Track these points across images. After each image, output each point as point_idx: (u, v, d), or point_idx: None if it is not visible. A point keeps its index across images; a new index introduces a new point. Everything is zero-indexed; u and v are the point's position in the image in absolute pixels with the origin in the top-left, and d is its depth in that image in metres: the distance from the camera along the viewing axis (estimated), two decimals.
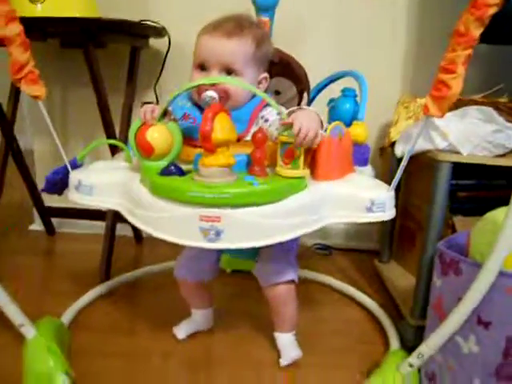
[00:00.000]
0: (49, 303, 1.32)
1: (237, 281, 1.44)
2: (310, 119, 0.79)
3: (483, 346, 0.88)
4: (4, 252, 1.66)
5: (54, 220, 1.86)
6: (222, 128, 0.73)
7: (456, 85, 0.77)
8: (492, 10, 0.73)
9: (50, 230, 1.84)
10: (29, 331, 0.98)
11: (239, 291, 1.40)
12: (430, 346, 0.92)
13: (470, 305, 0.84)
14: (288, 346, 1.07)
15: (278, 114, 0.84)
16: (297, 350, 1.07)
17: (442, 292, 0.96)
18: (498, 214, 0.90)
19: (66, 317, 1.20)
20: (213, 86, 0.86)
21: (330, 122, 1.13)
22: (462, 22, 0.75)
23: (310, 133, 0.77)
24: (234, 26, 0.91)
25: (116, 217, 1.48)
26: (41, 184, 1.70)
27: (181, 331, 1.15)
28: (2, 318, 0.98)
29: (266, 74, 0.98)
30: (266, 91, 0.98)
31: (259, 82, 0.97)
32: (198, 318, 1.17)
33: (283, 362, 1.06)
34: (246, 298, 1.34)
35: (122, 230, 1.59)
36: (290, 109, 0.86)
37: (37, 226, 1.89)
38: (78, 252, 1.69)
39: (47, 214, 1.81)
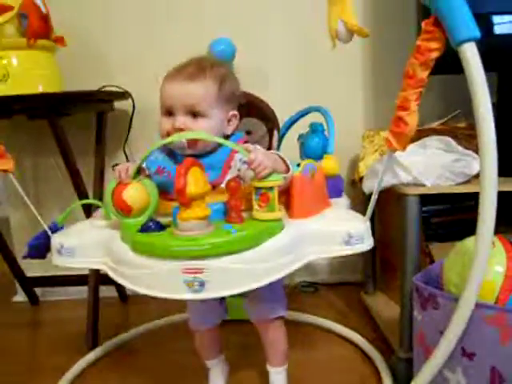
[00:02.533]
0: (37, 379, 1.28)
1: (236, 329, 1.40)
2: (266, 156, 0.80)
3: (470, 376, 0.89)
4: None
5: (38, 289, 1.83)
6: (195, 182, 0.75)
7: (411, 120, 0.81)
8: (435, 55, 0.78)
9: (33, 300, 1.81)
10: None
11: (240, 339, 1.38)
12: (418, 383, 0.91)
13: (452, 339, 0.85)
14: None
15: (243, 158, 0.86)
16: None
17: (423, 326, 0.97)
18: (466, 244, 0.93)
19: None
20: (180, 130, 0.89)
21: (301, 158, 1.18)
22: (410, 65, 0.80)
23: (263, 164, 0.78)
24: (195, 68, 0.92)
25: (98, 279, 1.47)
26: (19, 254, 1.71)
27: None
28: None
29: (235, 112, 0.98)
30: (237, 130, 1.00)
31: (228, 120, 0.97)
32: (218, 366, 1.16)
33: None
34: (248, 346, 1.33)
35: (106, 291, 1.58)
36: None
37: (20, 297, 1.86)
38: (64, 320, 1.66)
39: (29, 284, 1.78)
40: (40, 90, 1.40)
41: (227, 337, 1.20)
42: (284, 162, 0.89)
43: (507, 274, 0.87)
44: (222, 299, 1.09)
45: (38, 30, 1.39)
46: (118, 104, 1.67)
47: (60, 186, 1.76)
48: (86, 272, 1.48)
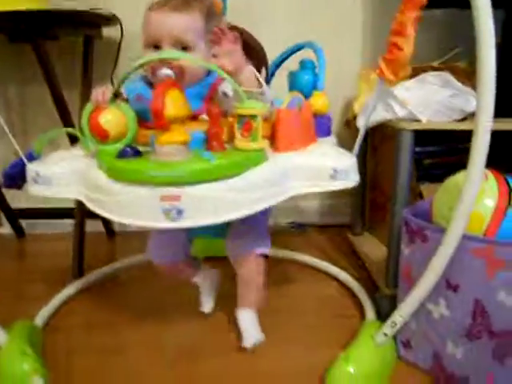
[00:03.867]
0: (22, 306, 1.28)
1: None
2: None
3: (453, 309, 0.90)
4: None
5: (24, 222, 1.81)
6: (174, 104, 0.71)
7: (407, 46, 0.77)
8: None
9: (19, 232, 1.80)
10: (0, 337, 0.96)
11: None
12: (402, 314, 0.93)
13: (438, 270, 0.85)
14: (250, 327, 1.04)
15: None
16: (258, 332, 1.04)
17: (410, 260, 0.97)
18: (458, 178, 0.92)
19: (40, 318, 1.17)
20: (167, 63, 0.84)
21: None
22: None
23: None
24: (181, 1, 0.89)
25: (85, 213, 1.45)
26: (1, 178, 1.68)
27: (205, 306, 1.16)
28: None
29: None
30: None
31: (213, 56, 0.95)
32: (204, 283, 1.16)
33: (245, 344, 1.02)
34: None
35: (93, 226, 1.56)
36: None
37: (5, 229, 1.84)
38: (50, 252, 1.65)
39: (15, 216, 1.77)
40: (23, 7, 1.28)
41: None
42: (257, 80, 0.87)
43: (497, 208, 0.86)
44: (188, 240, 1.08)
45: None
46: (105, 31, 1.58)
47: (47, 117, 1.68)
48: (73, 205, 1.46)
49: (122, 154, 0.77)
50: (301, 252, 1.53)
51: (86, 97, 1.50)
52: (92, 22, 1.49)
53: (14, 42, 1.41)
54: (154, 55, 0.83)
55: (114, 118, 0.79)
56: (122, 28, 1.54)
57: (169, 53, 0.86)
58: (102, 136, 0.80)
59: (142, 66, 0.83)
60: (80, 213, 1.45)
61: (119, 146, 0.79)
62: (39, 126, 1.75)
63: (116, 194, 0.76)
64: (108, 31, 1.58)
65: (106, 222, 1.73)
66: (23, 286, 1.45)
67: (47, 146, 0.94)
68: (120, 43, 1.56)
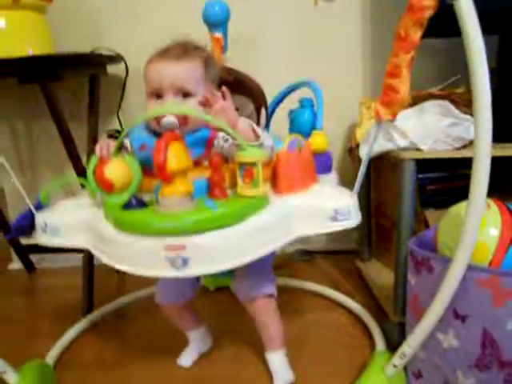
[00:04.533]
0: (33, 344, 1.30)
1: (221, 298, 1.45)
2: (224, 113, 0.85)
3: (462, 339, 0.89)
4: None
5: (33, 256, 1.83)
6: (176, 157, 0.73)
7: (403, 88, 0.78)
8: (428, 13, 0.75)
9: (29, 267, 1.82)
10: (11, 378, 0.97)
11: (225, 308, 1.39)
12: (411, 345, 0.93)
13: (444, 300, 0.85)
14: (280, 369, 1.06)
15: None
16: (289, 373, 1.06)
17: (417, 290, 0.98)
18: (460, 207, 0.92)
19: (51, 356, 1.19)
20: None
21: (291, 134, 1.15)
22: (402, 26, 0.77)
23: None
24: (181, 49, 0.92)
25: None
26: (11, 229, 1.70)
27: (185, 359, 1.15)
28: None
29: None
30: None
31: None
32: (196, 340, 1.17)
33: None
34: (232, 314, 1.33)
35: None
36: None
37: (15, 264, 1.87)
38: (60, 287, 1.67)
39: (25, 251, 1.79)
40: (30, 52, 1.35)
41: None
42: (254, 131, 0.88)
43: (501, 237, 0.86)
44: (197, 279, 1.09)
45: None
46: (110, 69, 1.62)
47: (55, 153, 1.73)
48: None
49: (127, 206, 0.79)
50: (308, 280, 1.54)
51: (92, 133, 1.53)
52: (96, 62, 1.53)
53: (22, 83, 1.44)
54: (158, 109, 0.86)
55: (118, 170, 0.81)
56: (126, 65, 1.56)
57: (173, 106, 0.88)
58: (107, 187, 0.81)
59: (147, 118, 0.85)
60: (88, 251, 1.46)
61: (124, 196, 0.81)
62: (47, 160, 1.79)
63: (122, 245, 0.78)
64: (113, 67, 1.62)
65: None
66: (33, 322, 1.46)
67: (60, 188, 0.96)
68: (125, 80, 1.59)
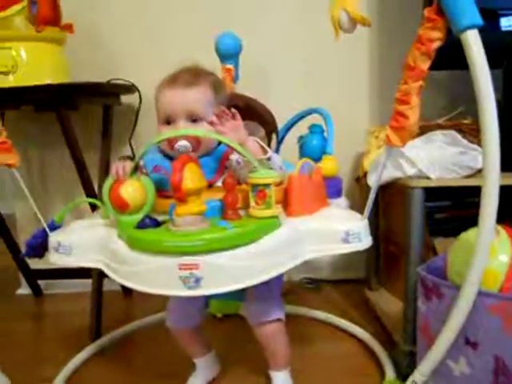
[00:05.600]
0: (41, 369, 1.28)
1: (229, 325, 1.44)
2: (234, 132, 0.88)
3: (474, 366, 0.88)
4: None
5: (41, 282, 1.84)
6: (191, 178, 0.75)
7: (412, 115, 0.80)
8: (436, 45, 0.78)
9: (37, 292, 1.83)
10: None
11: (232, 336, 1.39)
12: (422, 372, 0.92)
13: (455, 328, 0.85)
14: None
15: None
16: None
17: (427, 317, 0.97)
18: (470, 234, 0.92)
19: (58, 381, 1.18)
20: (183, 136, 0.89)
21: (301, 159, 1.17)
22: (411, 56, 0.80)
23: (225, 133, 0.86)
24: (190, 76, 0.95)
25: (101, 273, 1.47)
26: (24, 248, 1.72)
27: None
28: None
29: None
30: None
31: None
32: (203, 367, 1.15)
33: None
34: (240, 342, 1.33)
35: (110, 284, 1.58)
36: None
37: (24, 289, 1.87)
38: (67, 312, 1.67)
39: (33, 276, 1.80)
40: (48, 81, 1.40)
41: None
42: (262, 148, 0.91)
43: (511, 263, 0.86)
44: (205, 303, 1.10)
45: (48, 16, 1.38)
46: (124, 98, 1.67)
47: (67, 178, 1.76)
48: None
49: (141, 225, 0.80)
50: (315, 308, 1.53)
51: (105, 160, 1.57)
52: (111, 92, 1.57)
53: (38, 111, 1.49)
54: (172, 132, 0.88)
55: (133, 190, 0.83)
56: (140, 96, 1.60)
57: (187, 130, 0.92)
58: (122, 207, 0.83)
59: (161, 141, 0.88)
60: (98, 273, 1.48)
61: (138, 216, 0.82)
62: (58, 186, 1.82)
63: (136, 264, 0.79)
64: (126, 96, 1.66)
65: None
66: (41, 347, 1.46)
67: (70, 212, 0.98)
68: (138, 110, 1.63)
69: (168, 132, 0.90)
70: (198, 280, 0.75)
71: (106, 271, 0.86)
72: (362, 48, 1.68)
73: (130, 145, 1.64)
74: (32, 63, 1.40)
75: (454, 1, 0.75)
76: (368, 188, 1.35)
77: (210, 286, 0.76)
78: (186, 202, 0.75)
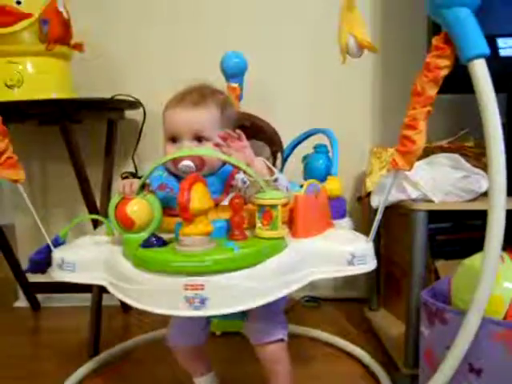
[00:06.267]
0: None
1: (227, 343, 1.43)
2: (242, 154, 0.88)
3: None
4: None
5: (40, 295, 1.83)
6: (198, 198, 0.75)
7: (419, 139, 0.81)
8: (444, 72, 0.79)
9: (35, 305, 1.81)
10: None
11: (231, 354, 1.38)
12: None
13: (459, 354, 0.85)
14: None
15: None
16: None
17: (430, 342, 0.97)
18: (475, 260, 0.92)
19: None
20: (188, 156, 0.90)
21: (305, 179, 1.18)
22: (418, 82, 0.81)
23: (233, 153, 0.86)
24: (197, 95, 0.95)
25: (102, 288, 1.46)
26: (23, 260, 1.71)
27: None
28: None
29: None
30: None
31: None
32: None
33: None
34: (238, 360, 1.33)
35: (108, 299, 1.56)
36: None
37: (21, 302, 1.86)
38: (65, 327, 1.65)
39: (31, 290, 1.78)
40: (53, 96, 1.41)
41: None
42: (269, 168, 0.91)
43: None
44: (208, 322, 1.08)
45: (59, 35, 1.40)
46: (128, 113, 1.68)
47: (68, 194, 1.77)
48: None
49: (147, 244, 0.80)
50: (315, 327, 1.52)
51: (108, 175, 1.57)
52: (115, 107, 1.58)
53: (42, 125, 1.49)
54: (177, 152, 0.89)
55: (140, 209, 0.83)
56: (144, 112, 1.61)
57: (191, 150, 0.92)
58: (127, 225, 0.82)
59: (167, 161, 0.88)
60: (97, 288, 1.47)
61: (144, 234, 0.82)
62: (60, 200, 1.81)
63: (140, 283, 0.78)
64: (130, 112, 1.67)
65: None
66: (38, 363, 1.44)
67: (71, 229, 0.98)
68: (142, 125, 1.63)
69: (175, 152, 0.90)
70: (203, 300, 0.74)
71: (110, 289, 0.85)
72: (365, 69, 1.70)
73: (133, 160, 1.64)
74: (38, 77, 1.41)
75: (462, 30, 0.76)
76: (370, 208, 1.36)
77: (215, 306, 0.75)
78: (193, 222, 0.75)
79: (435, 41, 0.79)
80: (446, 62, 0.78)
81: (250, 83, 1.39)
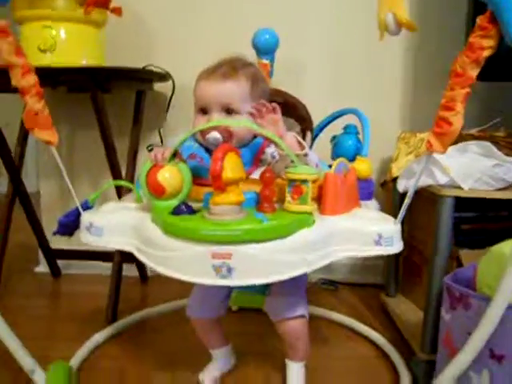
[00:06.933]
0: (57, 347, 1.30)
1: (244, 318, 1.44)
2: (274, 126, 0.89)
3: (497, 380, 0.88)
4: (10, 295, 1.66)
5: (60, 262, 1.86)
6: (231, 167, 0.75)
7: (456, 121, 0.79)
8: (487, 53, 0.77)
9: (55, 271, 1.84)
10: (39, 376, 0.98)
11: (248, 329, 1.40)
12: (442, 382, 0.91)
13: (481, 339, 0.84)
14: (294, 380, 1.06)
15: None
16: None
17: (451, 326, 0.97)
18: (504, 247, 0.92)
19: (75, 361, 1.20)
20: (215, 127, 0.90)
21: (333, 158, 1.17)
22: (459, 63, 0.79)
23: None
24: (228, 68, 0.96)
25: (122, 257, 1.49)
26: (47, 226, 1.74)
27: (207, 376, 1.13)
28: (9, 362, 0.99)
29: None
30: None
31: None
32: (220, 358, 1.15)
33: None
34: (255, 335, 1.34)
35: (127, 270, 1.59)
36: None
37: (42, 267, 1.89)
38: (84, 294, 1.69)
39: (53, 255, 1.81)
40: (83, 62, 1.42)
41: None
42: (299, 143, 0.91)
43: None
44: (228, 295, 1.09)
45: None
46: (157, 86, 1.68)
47: (94, 162, 1.79)
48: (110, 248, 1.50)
49: (177, 211, 0.80)
50: (331, 310, 1.53)
51: (134, 145, 1.58)
52: (145, 78, 1.58)
53: (71, 92, 1.50)
54: (206, 123, 0.90)
55: (171, 176, 0.83)
56: (174, 84, 1.61)
57: (218, 121, 0.93)
58: (158, 192, 0.83)
59: (196, 132, 0.90)
60: (118, 257, 1.49)
61: (174, 202, 0.83)
62: (85, 168, 1.83)
63: (169, 249, 0.79)
64: (159, 85, 1.67)
65: (141, 267, 1.76)
66: (56, 325, 1.47)
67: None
68: (171, 99, 1.63)
69: (203, 124, 0.90)
70: (229, 270, 0.75)
71: (137, 255, 0.86)
72: (397, 53, 1.67)
73: (160, 133, 1.65)
74: (71, 44, 1.41)
75: (509, 9, 0.74)
76: (395, 193, 1.35)
77: (241, 276, 0.76)
78: (225, 191, 0.76)
79: (480, 20, 0.77)
80: (490, 43, 0.76)
81: (281, 60, 1.38)
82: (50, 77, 1.32)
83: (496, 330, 0.83)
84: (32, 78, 0.88)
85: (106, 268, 1.56)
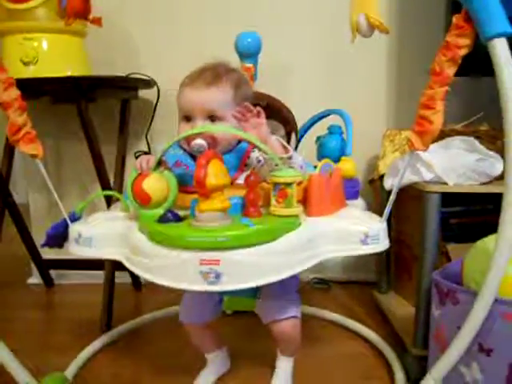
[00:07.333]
0: (51, 358, 1.30)
1: (238, 322, 1.44)
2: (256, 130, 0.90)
3: (486, 373, 0.89)
4: (3, 307, 1.65)
5: (53, 272, 1.85)
6: (215, 174, 0.75)
7: (437, 119, 0.81)
8: (463, 51, 0.78)
9: (48, 282, 1.84)
10: None
11: (242, 332, 1.40)
12: (435, 377, 0.93)
13: (470, 333, 0.86)
14: (281, 376, 1.09)
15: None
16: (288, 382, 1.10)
17: (441, 322, 0.98)
18: (488, 241, 0.93)
19: (70, 371, 1.20)
20: (200, 134, 0.91)
21: (318, 159, 1.18)
22: (436, 62, 0.80)
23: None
24: (211, 75, 0.96)
25: (114, 265, 1.49)
26: (37, 237, 1.73)
27: (202, 381, 1.14)
28: (3, 376, 0.98)
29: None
30: None
31: None
32: (215, 362, 1.16)
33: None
34: (249, 338, 1.35)
35: (120, 277, 1.59)
36: None
37: (35, 278, 1.88)
38: (78, 303, 1.68)
39: (45, 266, 1.81)
40: (68, 73, 1.41)
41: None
42: (284, 147, 0.92)
43: None
44: (220, 300, 1.09)
45: (78, 9, 1.38)
46: (142, 93, 1.68)
47: (81, 172, 1.78)
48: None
49: (163, 219, 0.81)
50: (324, 308, 1.54)
51: (121, 153, 1.58)
52: (130, 86, 1.58)
53: (56, 103, 1.49)
54: (189, 130, 0.90)
55: (156, 184, 0.84)
56: (158, 91, 1.61)
57: (203, 127, 0.93)
58: (144, 200, 0.84)
59: (180, 139, 0.90)
60: (110, 265, 1.49)
61: (160, 210, 0.83)
62: (72, 179, 1.82)
63: (156, 257, 0.79)
64: (145, 92, 1.67)
65: (134, 274, 1.76)
66: (51, 337, 1.47)
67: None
68: (156, 105, 1.63)
69: (187, 130, 0.91)
70: (218, 275, 0.75)
71: (126, 264, 0.87)
72: (380, 51, 1.69)
73: (147, 140, 1.65)
74: (53, 55, 1.40)
75: (483, 8, 0.75)
76: (383, 190, 1.35)
77: (229, 281, 0.76)
78: (210, 197, 0.76)
79: (455, 19, 0.79)
80: (465, 41, 0.78)
81: (265, 63, 1.39)
82: (33, 87, 1.32)
83: (484, 324, 0.85)
84: (14, 93, 0.88)
85: (99, 276, 1.55)
